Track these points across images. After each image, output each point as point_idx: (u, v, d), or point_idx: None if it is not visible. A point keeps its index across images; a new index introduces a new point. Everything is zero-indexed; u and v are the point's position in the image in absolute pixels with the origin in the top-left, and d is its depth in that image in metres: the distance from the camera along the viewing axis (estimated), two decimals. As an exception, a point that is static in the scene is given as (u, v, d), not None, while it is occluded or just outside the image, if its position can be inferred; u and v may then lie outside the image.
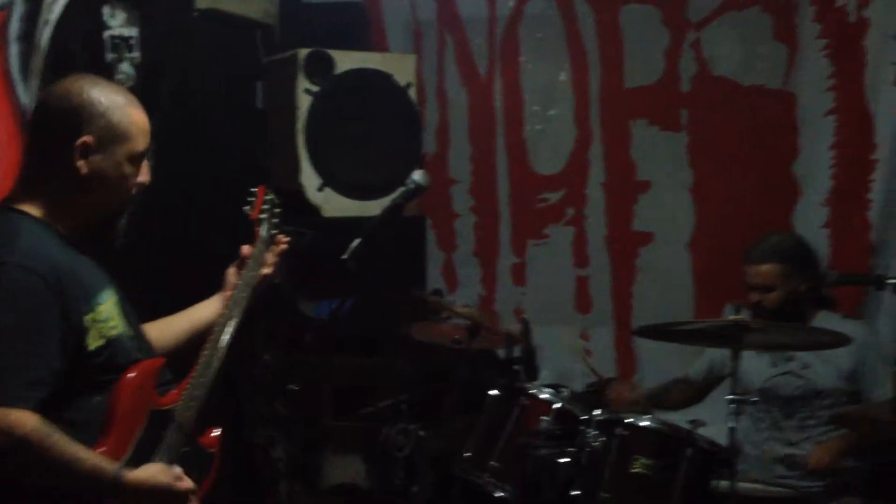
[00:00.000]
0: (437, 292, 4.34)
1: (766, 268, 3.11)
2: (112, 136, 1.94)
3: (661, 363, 4.08)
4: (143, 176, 2.03)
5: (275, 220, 2.41)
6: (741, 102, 3.96)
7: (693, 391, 3.40)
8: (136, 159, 1.99)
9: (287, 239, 2.38)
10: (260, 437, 3.00)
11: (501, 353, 3.47)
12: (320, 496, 3.67)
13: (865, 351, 2.95)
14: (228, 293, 2.24)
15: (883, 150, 3.80)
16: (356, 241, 2.64)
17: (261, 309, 3.52)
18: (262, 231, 2.36)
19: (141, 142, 2.00)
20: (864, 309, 3.79)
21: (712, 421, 3.19)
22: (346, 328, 3.77)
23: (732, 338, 2.60)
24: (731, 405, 2.52)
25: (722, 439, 3.33)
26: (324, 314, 3.87)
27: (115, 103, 1.96)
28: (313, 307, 3.89)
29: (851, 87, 3.82)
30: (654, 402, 3.40)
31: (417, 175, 2.70)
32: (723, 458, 2.66)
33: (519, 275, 4.31)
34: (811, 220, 3.88)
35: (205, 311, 2.26)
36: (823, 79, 3.86)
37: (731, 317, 2.64)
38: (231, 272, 2.30)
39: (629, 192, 4.15)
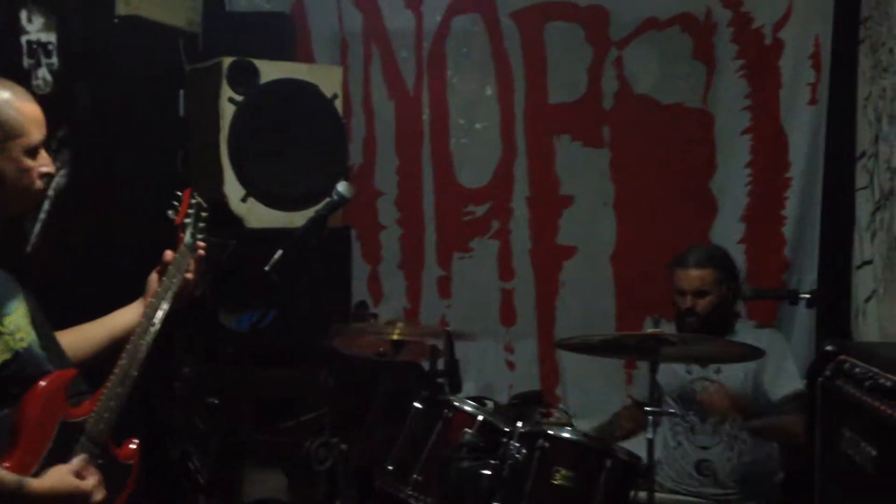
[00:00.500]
0: (362, 304, 4.34)
1: (702, 272, 3.20)
2: (5, 133, 1.90)
3: (583, 375, 4.15)
4: (46, 166, 1.99)
5: (201, 226, 2.36)
6: (661, 120, 4.05)
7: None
8: (33, 152, 1.95)
9: (203, 244, 2.33)
10: (177, 450, 2.94)
11: (426, 365, 3.50)
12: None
13: (770, 352, 3.04)
14: (148, 300, 2.19)
15: (797, 169, 3.93)
16: (278, 253, 2.61)
17: (181, 320, 3.49)
18: (186, 236, 2.31)
19: (35, 134, 1.96)
20: (777, 323, 3.91)
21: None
22: (269, 340, 3.74)
23: (650, 350, 2.65)
24: (649, 417, 2.56)
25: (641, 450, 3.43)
26: (246, 326, 3.83)
27: (2, 99, 1.92)
28: (235, 319, 3.85)
29: (767, 106, 3.95)
30: (606, 433, 3.38)
31: (341, 186, 2.69)
32: (642, 469, 2.71)
33: (444, 287, 4.33)
34: (728, 236, 3.98)
35: (123, 318, 2.20)
36: (740, 98, 3.97)
37: (650, 329, 2.69)
38: (153, 278, 2.25)
39: (553, 206, 4.20)
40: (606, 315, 4.16)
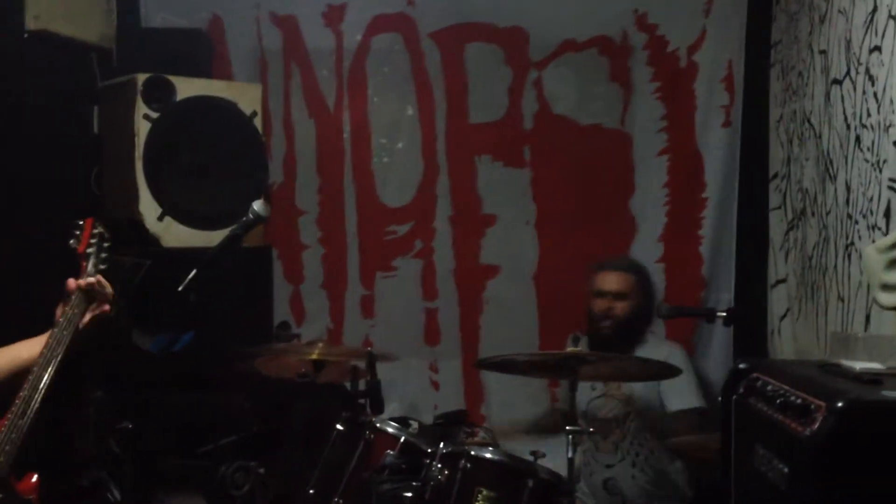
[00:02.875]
0: (284, 325, 4.27)
1: (624, 276, 3.24)
2: None
3: (508, 394, 4.15)
4: None
5: (103, 256, 2.34)
6: (580, 141, 4.10)
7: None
8: None
9: (94, 280, 2.28)
10: (86, 479, 2.84)
11: (349, 386, 3.46)
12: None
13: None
14: (52, 330, 2.13)
15: (712, 189, 4.02)
16: (192, 273, 2.55)
17: (93, 344, 3.38)
18: (89, 266, 2.28)
19: None
20: (694, 340, 3.98)
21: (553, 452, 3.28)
22: (187, 363, 3.65)
23: (569, 369, 2.66)
24: (569, 436, 2.57)
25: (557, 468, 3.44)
26: (165, 348, 3.73)
27: None
28: (152, 341, 3.75)
29: (682, 128, 4.03)
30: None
31: (257, 205, 2.65)
32: (564, 488, 2.71)
33: (367, 307, 4.29)
34: (647, 255, 4.04)
35: (26, 349, 2.15)
36: (656, 120, 4.05)
37: (570, 349, 2.70)
38: (59, 310, 2.19)
39: (476, 225, 4.21)
40: (530, 334, 4.18)
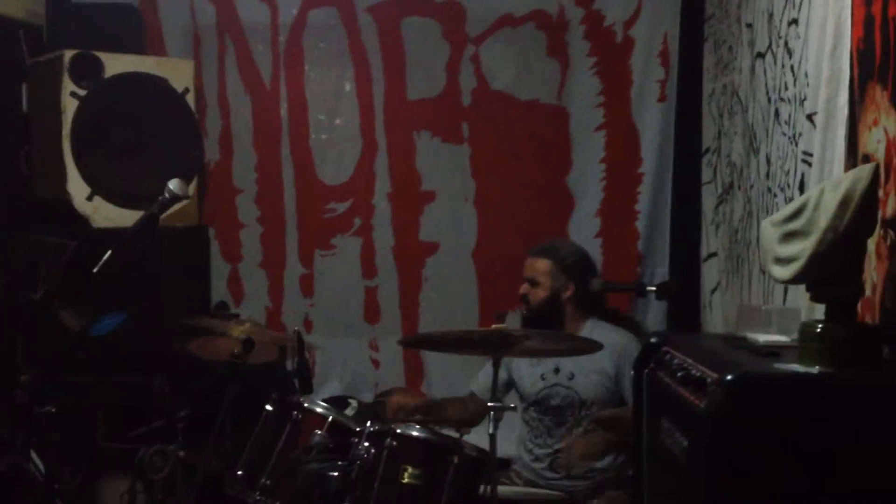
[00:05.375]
0: (222, 305, 4.23)
1: (536, 262, 3.23)
2: None
3: (447, 373, 4.15)
4: None
5: None
6: (518, 116, 4.08)
7: (479, 406, 3.37)
8: None
9: None
10: (3, 464, 2.79)
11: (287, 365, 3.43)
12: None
13: (626, 357, 3.08)
14: None
15: (648, 164, 4.03)
16: (107, 254, 2.51)
17: (21, 326, 3.32)
18: None
19: None
20: (632, 314, 4.00)
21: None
22: (120, 344, 3.60)
23: (494, 346, 2.66)
24: (491, 412, 2.57)
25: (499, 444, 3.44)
26: (96, 330, 3.68)
27: None
28: (83, 323, 3.69)
29: (619, 103, 4.03)
30: (433, 414, 3.38)
31: (173, 184, 2.61)
32: (490, 465, 2.71)
33: (307, 286, 4.26)
34: (585, 230, 4.06)
35: None
36: (593, 95, 4.05)
37: (494, 325, 2.70)
38: None
39: (414, 202, 4.18)
40: (469, 310, 4.18)
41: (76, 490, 3.23)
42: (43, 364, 3.24)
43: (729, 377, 1.51)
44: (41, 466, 3.18)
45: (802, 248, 1.49)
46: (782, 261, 1.54)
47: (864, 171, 1.46)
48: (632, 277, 4.01)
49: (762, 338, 1.87)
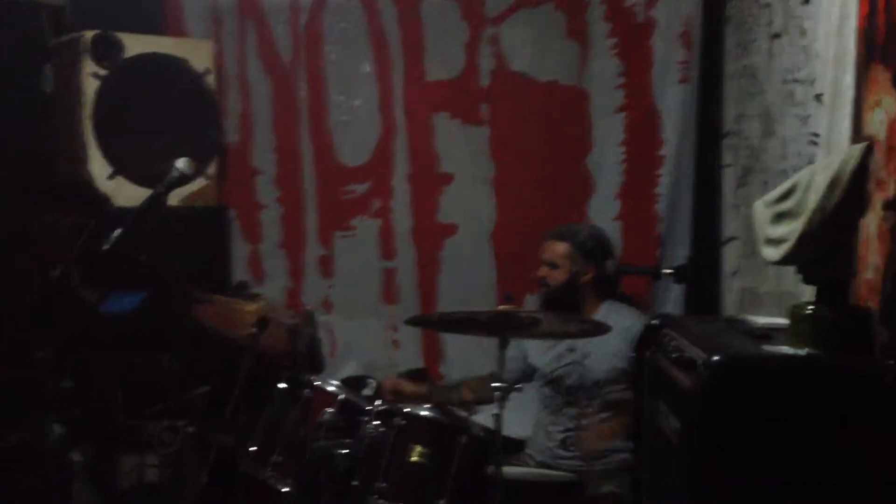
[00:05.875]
0: (242, 284, 4.27)
1: (556, 245, 3.23)
2: None
3: (466, 352, 4.15)
4: None
5: None
6: (537, 98, 4.04)
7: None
8: None
9: None
10: (15, 437, 2.85)
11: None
12: (122, 498, 3.55)
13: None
14: None
15: (669, 147, 3.97)
16: (117, 231, 2.54)
17: (40, 303, 3.38)
18: None
19: None
20: (651, 298, 3.97)
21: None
22: (140, 322, 3.66)
23: (500, 327, 2.66)
24: (497, 393, 2.57)
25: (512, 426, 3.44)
26: (115, 308, 3.73)
27: None
28: (103, 301, 3.75)
29: (640, 85, 3.97)
30: (437, 400, 3.38)
31: (180, 163, 2.63)
32: (498, 444, 2.71)
33: (326, 267, 4.27)
34: (604, 213, 4.02)
35: None
36: (613, 76, 3.99)
37: (501, 307, 2.70)
38: None
39: (433, 184, 4.17)
40: (487, 292, 4.15)
41: (91, 464, 3.30)
42: (59, 341, 3.30)
43: (715, 358, 1.50)
44: (57, 441, 3.24)
45: (792, 229, 1.47)
46: (773, 241, 1.52)
47: (855, 150, 1.43)
48: (652, 261, 3.97)
49: (761, 320, 1.85)
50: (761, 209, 1.57)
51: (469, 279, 4.19)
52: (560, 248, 3.23)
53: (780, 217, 1.52)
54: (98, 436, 3.52)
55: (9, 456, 2.89)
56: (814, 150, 2.32)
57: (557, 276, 3.19)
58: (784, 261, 1.54)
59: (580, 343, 3.18)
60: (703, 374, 1.50)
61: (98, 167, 3.64)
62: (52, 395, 2.94)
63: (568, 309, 3.11)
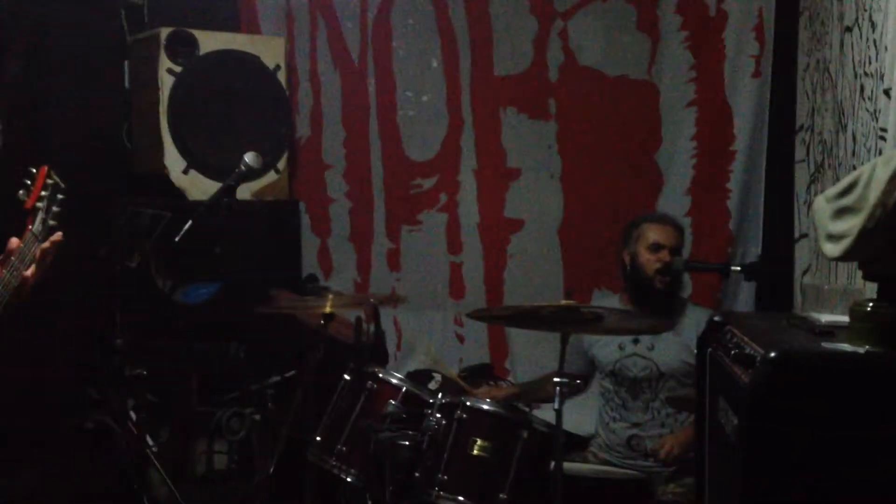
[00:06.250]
0: (312, 278, 4.35)
1: (669, 230, 3.21)
2: None
3: (532, 348, 4.15)
4: None
5: (56, 210, 2.06)
6: (606, 92, 4.02)
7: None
8: None
9: (59, 234, 2.02)
10: (91, 422, 2.95)
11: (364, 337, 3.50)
12: (193, 483, 3.65)
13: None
14: None
15: (741, 142, 3.91)
16: (188, 224, 2.61)
17: (118, 293, 3.49)
18: (36, 223, 2.01)
19: None
20: (720, 295, 3.91)
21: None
22: (215, 313, 3.75)
23: (562, 322, 2.65)
24: (557, 388, 2.56)
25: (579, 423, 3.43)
26: (190, 298, 3.84)
27: None
28: (180, 292, 3.86)
29: (711, 79, 3.91)
30: (531, 397, 3.39)
31: (248, 157, 2.69)
32: (559, 439, 2.71)
33: (393, 260, 4.32)
34: (674, 209, 3.95)
35: None
36: (685, 70, 3.94)
37: (563, 301, 2.69)
38: None
39: (500, 179, 4.18)
40: (554, 287, 4.14)
41: (166, 449, 3.40)
42: (137, 329, 3.41)
43: (773, 354, 1.48)
44: (135, 426, 3.35)
45: (852, 225, 1.44)
46: (833, 237, 1.49)
47: (920, 144, 1.40)
48: (723, 257, 3.91)
49: (825, 317, 1.81)
50: (823, 204, 1.54)
51: (536, 274, 4.19)
52: (675, 231, 3.20)
53: (840, 212, 1.49)
54: (172, 422, 3.63)
55: (87, 440, 3.00)
56: (882, 145, 2.26)
57: (680, 260, 3.13)
58: (844, 257, 1.51)
59: (645, 336, 3.15)
60: (760, 370, 1.48)
61: (173, 161, 3.75)
62: (128, 381, 3.03)
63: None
